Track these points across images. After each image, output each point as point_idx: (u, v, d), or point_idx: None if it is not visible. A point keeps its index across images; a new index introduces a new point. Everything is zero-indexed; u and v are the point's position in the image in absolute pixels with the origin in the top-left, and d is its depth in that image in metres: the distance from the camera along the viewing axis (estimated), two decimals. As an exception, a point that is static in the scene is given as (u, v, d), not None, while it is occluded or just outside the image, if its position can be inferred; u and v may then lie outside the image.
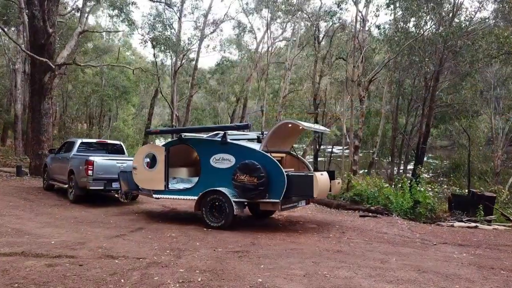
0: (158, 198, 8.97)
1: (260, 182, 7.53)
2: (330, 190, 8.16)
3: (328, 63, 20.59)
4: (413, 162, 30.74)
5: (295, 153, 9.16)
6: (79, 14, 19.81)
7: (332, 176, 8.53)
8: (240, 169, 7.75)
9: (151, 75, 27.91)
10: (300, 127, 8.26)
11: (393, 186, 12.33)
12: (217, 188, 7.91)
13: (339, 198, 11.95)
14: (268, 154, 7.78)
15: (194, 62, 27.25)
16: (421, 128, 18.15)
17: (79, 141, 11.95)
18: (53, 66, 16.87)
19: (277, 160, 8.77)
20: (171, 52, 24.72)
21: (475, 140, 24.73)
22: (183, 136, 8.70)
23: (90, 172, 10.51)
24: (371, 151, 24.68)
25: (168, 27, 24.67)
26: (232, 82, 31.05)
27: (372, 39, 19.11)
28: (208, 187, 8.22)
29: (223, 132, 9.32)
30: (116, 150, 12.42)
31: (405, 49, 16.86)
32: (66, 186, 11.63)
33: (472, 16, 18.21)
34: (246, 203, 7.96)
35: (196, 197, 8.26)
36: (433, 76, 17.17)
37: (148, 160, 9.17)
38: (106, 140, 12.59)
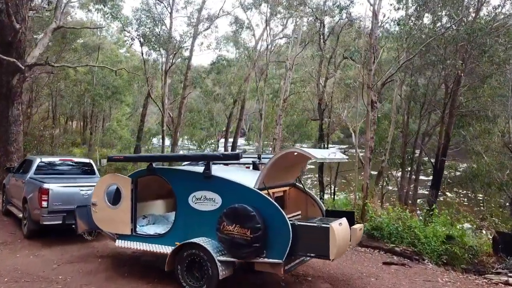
0: (122, 247, 6.87)
1: (255, 236, 5.45)
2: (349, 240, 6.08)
3: (334, 63, 18.46)
4: (424, 170, 28.74)
5: (301, 185, 7.08)
6: (51, 8, 17.60)
7: (351, 220, 6.45)
8: (227, 216, 5.67)
9: (144, 74, 25.82)
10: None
11: (416, 213, 10.24)
12: (196, 241, 5.82)
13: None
14: (267, 196, 5.70)
15: (187, 61, 25.12)
16: (441, 138, 16.05)
17: (37, 160, 9.85)
18: (23, 67, 14.77)
19: (278, 196, 6.70)
20: (161, 51, 22.58)
21: (490, 145, 22.68)
22: (153, 165, 6.62)
23: (44, 204, 8.41)
24: (379, 158, 22.59)
25: (158, 23, 22.54)
26: (229, 83, 28.88)
27: (384, 36, 16.97)
28: (185, 235, 6.15)
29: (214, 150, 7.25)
30: (85, 171, 10.34)
31: (421, 48, 14.74)
32: (21, 215, 9.56)
33: (497, 12, 16.09)
34: (236, 262, 5.87)
35: (169, 249, 6.19)
36: (456, 79, 15.05)
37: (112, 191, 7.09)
38: (73, 158, 10.51)
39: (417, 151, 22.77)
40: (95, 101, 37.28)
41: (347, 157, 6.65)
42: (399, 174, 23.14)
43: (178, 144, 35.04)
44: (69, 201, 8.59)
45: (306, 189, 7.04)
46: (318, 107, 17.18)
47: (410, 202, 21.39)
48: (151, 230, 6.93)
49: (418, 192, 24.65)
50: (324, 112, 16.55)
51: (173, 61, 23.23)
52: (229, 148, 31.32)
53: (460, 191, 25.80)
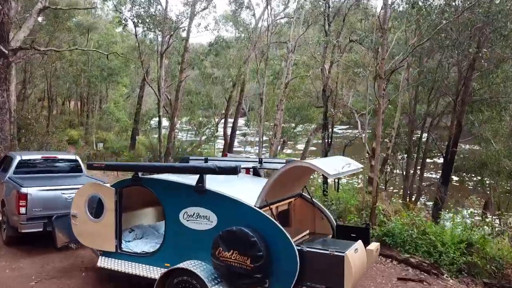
0: (104, 267, 6.06)
1: (257, 266, 4.64)
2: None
3: (340, 47, 17.35)
4: (430, 157, 27.87)
5: (308, 196, 6.24)
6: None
7: (366, 238, 5.65)
8: (224, 240, 4.85)
9: (138, 57, 24.64)
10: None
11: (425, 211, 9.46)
12: (187, 267, 5.02)
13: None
14: (270, 217, 4.86)
15: (184, 42, 23.93)
16: (452, 128, 15.15)
17: (17, 158, 8.98)
18: (6, 52, 13.77)
19: (282, 210, 5.88)
20: (157, 31, 21.39)
21: (499, 131, 21.78)
22: (139, 175, 5.76)
23: (22, 210, 7.60)
24: (384, 145, 21.73)
25: (153, 2, 21.28)
26: (228, 65, 27.71)
27: (392, 17, 15.84)
28: (176, 256, 5.36)
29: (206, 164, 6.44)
30: (70, 169, 9.49)
31: (434, 32, 13.65)
32: (0, 219, 8.79)
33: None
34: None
35: (157, 272, 5.41)
36: (470, 65, 14.04)
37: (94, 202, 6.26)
38: (57, 155, 9.62)
39: (424, 136, 21.91)
40: (91, 82, 36.21)
41: (362, 165, 5.79)
42: (405, 161, 22.36)
43: (177, 126, 34.21)
44: (51, 206, 7.80)
45: (314, 200, 6.21)
46: (322, 94, 16.17)
47: (417, 186, 20.64)
48: (139, 247, 6.12)
49: (425, 176, 23.86)
50: (329, 99, 15.60)
51: (170, 42, 22.07)
52: (229, 131, 30.40)
53: (464, 175, 25.05)
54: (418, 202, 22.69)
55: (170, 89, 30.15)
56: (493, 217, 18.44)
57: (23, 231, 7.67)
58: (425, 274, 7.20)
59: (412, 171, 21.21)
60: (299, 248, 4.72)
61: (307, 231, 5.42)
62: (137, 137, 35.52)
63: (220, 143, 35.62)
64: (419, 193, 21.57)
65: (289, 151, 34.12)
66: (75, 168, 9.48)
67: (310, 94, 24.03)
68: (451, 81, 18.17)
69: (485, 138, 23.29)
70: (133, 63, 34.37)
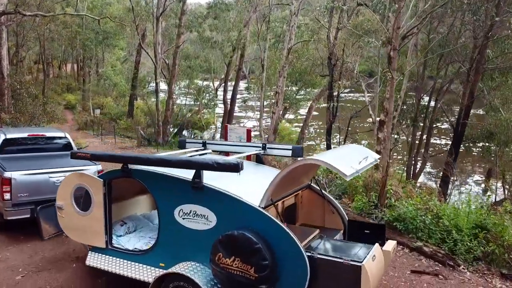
0: (94, 266, 5.55)
1: (262, 276, 4.11)
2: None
3: (347, 11, 16.29)
4: (437, 127, 27.13)
5: (317, 187, 5.64)
6: None
7: (381, 237, 5.11)
8: (224, 245, 4.29)
9: (133, 21, 23.42)
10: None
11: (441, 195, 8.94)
12: (183, 273, 4.50)
13: (370, 216, 8.63)
14: (276, 220, 4.28)
15: (181, 4, 22.67)
16: (464, 98, 14.40)
17: (1, 137, 8.35)
18: (-11, 16, 12.84)
19: (289, 205, 5.31)
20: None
21: (509, 98, 21.02)
22: (129, 167, 5.14)
23: (7, 196, 7.05)
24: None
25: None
26: (228, 29, 26.48)
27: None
28: (172, 256, 4.86)
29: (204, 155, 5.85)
30: (60, 147, 8.86)
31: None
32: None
33: None
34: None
35: (150, 274, 4.91)
36: (486, 32, 13.12)
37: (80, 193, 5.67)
38: (45, 133, 8.94)
39: (432, 104, 21.17)
40: (85, 46, 34.92)
41: (379, 156, 5.16)
42: (411, 129, 21.72)
43: (176, 92, 33.27)
44: (38, 191, 7.26)
45: (324, 192, 5.62)
46: (328, 62, 15.32)
47: (422, 155, 20.07)
48: (131, 242, 5.58)
49: (431, 142, 23.25)
50: (335, 66, 14.76)
51: (166, 4, 20.91)
52: (229, 96, 29.53)
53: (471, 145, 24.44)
54: (423, 172, 22.22)
55: (168, 54, 29.06)
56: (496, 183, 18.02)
57: (8, 218, 7.15)
58: (440, 266, 6.72)
59: (418, 140, 20.65)
60: (310, 255, 4.17)
61: (317, 231, 4.87)
62: (135, 102, 34.69)
63: (220, 108, 34.79)
64: (424, 162, 21.10)
65: (291, 116, 33.38)
66: (64, 146, 8.86)
67: (315, 62, 22.99)
68: (462, 47, 17.24)
69: (494, 107, 22.53)
70: (129, 26, 32.98)
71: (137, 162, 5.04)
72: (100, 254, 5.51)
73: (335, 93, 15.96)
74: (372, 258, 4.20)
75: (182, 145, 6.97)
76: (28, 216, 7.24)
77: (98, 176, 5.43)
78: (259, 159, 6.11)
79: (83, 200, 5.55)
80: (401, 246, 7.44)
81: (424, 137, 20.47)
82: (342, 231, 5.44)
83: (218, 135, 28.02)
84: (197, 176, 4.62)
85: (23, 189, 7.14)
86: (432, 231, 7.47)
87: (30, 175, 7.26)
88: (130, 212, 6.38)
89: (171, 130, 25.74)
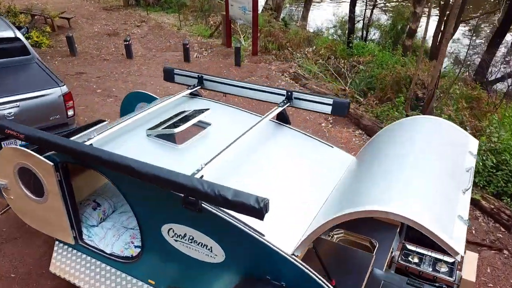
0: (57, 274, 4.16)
1: None
2: None
3: None
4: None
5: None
6: None
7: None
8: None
9: None
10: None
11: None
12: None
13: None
14: (319, 278, 2.71)
15: None
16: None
17: None
18: None
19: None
20: None
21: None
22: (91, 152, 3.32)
23: None
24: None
25: None
26: None
27: None
28: (164, 275, 3.51)
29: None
30: (12, 51, 6.67)
31: None
32: None
33: None
34: None
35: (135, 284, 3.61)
36: None
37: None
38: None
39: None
40: None
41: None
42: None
43: None
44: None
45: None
46: None
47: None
48: (108, 238, 4.10)
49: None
50: None
51: None
52: None
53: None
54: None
55: None
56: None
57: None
58: (503, 231, 5.38)
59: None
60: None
61: (373, 259, 3.33)
62: None
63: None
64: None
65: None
66: (18, 51, 6.68)
67: None
68: None
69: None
70: None
71: (104, 165, 3.13)
72: (68, 253, 4.11)
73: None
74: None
75: (168, 76, 4.93)
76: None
77: (47, 158, 3.64)
78: (282, 117, 4.17)
79: (33, 182, 3.89)
80: (477, 216, 5.94)
81: None
82: (398, 229, 3.93)
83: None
84: (189, 201, 2.87)
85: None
86: (494, 176, 5.94)
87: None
88: (102, 180, 4.73)
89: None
